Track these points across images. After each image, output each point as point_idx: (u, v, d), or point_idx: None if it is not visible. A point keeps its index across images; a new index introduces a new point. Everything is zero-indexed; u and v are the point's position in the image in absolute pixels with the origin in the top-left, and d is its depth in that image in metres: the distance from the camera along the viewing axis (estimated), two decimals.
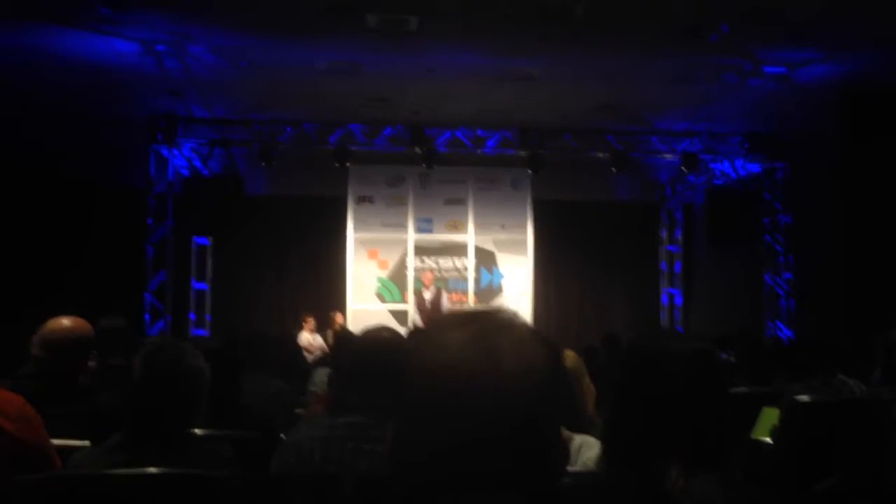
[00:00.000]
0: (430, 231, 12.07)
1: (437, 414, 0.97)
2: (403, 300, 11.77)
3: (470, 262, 12.04)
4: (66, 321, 3.15)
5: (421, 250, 12.02)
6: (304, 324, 10.83)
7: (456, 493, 0.94)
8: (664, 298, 13.11)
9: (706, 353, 1.67)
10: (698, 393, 1.62)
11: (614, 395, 1.72)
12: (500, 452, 0.96)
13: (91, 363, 3.20)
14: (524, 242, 12.15)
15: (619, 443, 1.65)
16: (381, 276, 11.97)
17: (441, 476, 0.96)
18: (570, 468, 2.61)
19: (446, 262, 12.06)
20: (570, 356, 3.24)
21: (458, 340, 0.99)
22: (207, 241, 11.75)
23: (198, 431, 2.48)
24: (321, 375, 5.18)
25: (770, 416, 4.20)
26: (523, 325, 1.04)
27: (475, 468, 0.95)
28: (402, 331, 3.53)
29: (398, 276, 11.96)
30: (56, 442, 2.57)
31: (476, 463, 0.95)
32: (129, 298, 9.78)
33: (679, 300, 13.07)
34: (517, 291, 12.07)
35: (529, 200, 12.09)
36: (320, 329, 10.92)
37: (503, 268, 12.12)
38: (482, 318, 1.02)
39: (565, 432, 2.64)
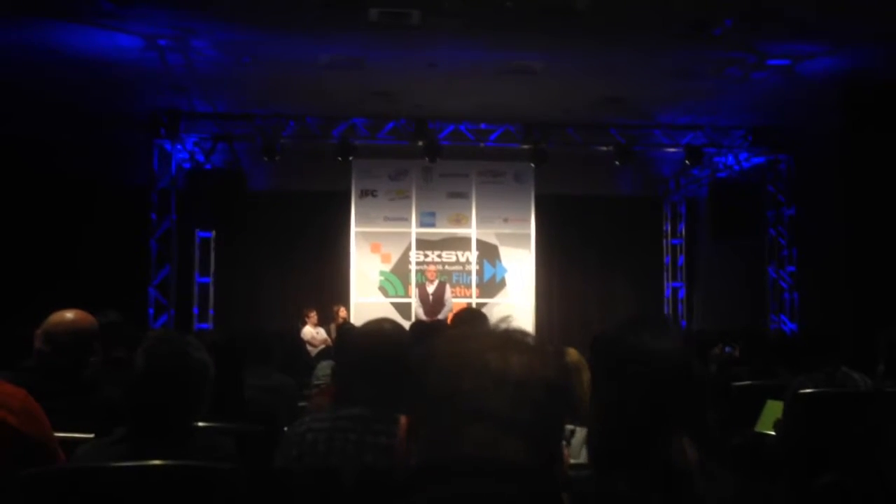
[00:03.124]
0: (433, 225, 12.06)
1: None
2: (406, 294, 11.76)
3: (473, 255, 12.04)
4: (69, 314, 3.14)
5: (424, 244, 12.02)
6: (306, 318, 10.85)
7: (453, 481, 0.95)
8: (667, 292, 13.10)
9: (680, 353, 1.61)
10: (673, 394, 1.56)
11: (591, 399, 1.68)
12: None
13: (94, 357, 3.20)
14: (527, 236, 12.13)
15: (602, 446, 1.60)
16: (384, 269, 11.96)
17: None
18: (573, 461, 2.61)
19: (449, 256, 12.05)
20: (571, 352, 3.29)
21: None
22: (211, 235, 11.77)
23: (201, 424, 2.49)
24: (324, 369, 5.19)
25: (774, 409, 4.20)
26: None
27: None
28: (405, 324, 3.53)
29: (401, 270, 11.96)
30: (59, 435, 2.57)
31: None
32: (133, 293, 9.80)
33: (682, 293, 13.06)
34: (520, 285, 12.06)
35: (532, 194, 12.07)
36: (323, 322, 10.93)
37: (506, 261, 12.11)
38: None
39: (568, 426, 2.65)
